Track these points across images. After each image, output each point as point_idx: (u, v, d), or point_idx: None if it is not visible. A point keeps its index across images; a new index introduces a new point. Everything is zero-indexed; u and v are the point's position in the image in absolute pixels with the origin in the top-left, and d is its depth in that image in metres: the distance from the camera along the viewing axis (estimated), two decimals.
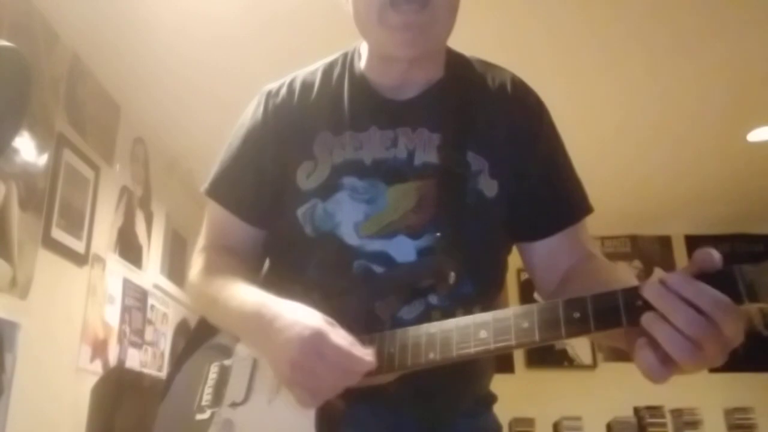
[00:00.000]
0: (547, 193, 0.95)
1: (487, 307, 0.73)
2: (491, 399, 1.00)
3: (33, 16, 2.23)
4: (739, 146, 3.52)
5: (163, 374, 3.37)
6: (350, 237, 0.89)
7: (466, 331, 0.72)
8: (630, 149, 3.49)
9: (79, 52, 2.54)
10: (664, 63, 2.73)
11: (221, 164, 1.03)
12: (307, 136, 0.96)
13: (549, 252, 0.95)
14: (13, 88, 1.55)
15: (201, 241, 1.05)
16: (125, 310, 2.91)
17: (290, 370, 0.75)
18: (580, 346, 4.56)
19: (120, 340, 2.85)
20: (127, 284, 2.95)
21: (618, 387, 4.36)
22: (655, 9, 2.41)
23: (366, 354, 0.74)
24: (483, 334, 0.70)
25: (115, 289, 2.84)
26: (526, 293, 4.63)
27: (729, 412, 4.30)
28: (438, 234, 0.87)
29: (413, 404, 0.86)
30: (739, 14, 2.42)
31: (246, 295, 0.87)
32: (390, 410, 0.85)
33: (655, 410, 4.24)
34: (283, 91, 1.01)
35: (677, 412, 4.25)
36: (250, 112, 1.04)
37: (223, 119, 3.15)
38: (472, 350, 0.71)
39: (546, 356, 4.52)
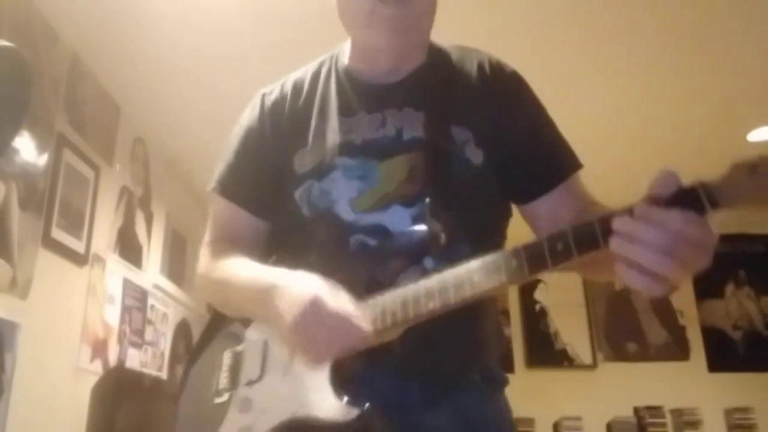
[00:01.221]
0: (535, 153, 1.00)
1: None
2: (501, 380, 1.02)
3: (33, 16, 2.23)
4: (739, 146, 3.51)
5: (163, 374, 3.37)
6: (346, 213, 0.94)
7: (460, 278, 0.78)
8: (629, 149, 3.49)
9: (79, 52, 2.54)
10: (664, 62, 2.73)
11: (224, 163, 1.09)
12: (301, 126, 1.03)
13: (548, 210, 0.99)
14: (13, 88, 1.55)
15: (207, 237, 1.10)
16: (125, 310, 2.91)
17: (292, 334, 0.83)
18: (580, 346, 4.57)
19: (120, 340, 2.85)
20: (127, 284, 2.95)
21: (618, 387, 4.37)
22: (653, 8, 2.41)
23: (361, 321, 0.81)
24: (476, 277, 0.77)
25: (115, 289, 2.84)
26: (525, 293, 4.64)
27: (729, 412, 4.30)
28: (428, 200, 0.92)
29: (419, 369, 0.90)
30: (739, 14, 2.42)
31: (252, 269, 0.95)
32: (397, 376, 0.89)
33: (655, 410, 4.23)
34: (276, 91, 1.10)
35: (677, 412, 4.24)
36: (247, 114, 1.11)
37: (223, 120, 3.15)
38: (468, 293, 0.77)
39: (546, 356, 4.52)
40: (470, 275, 0.77)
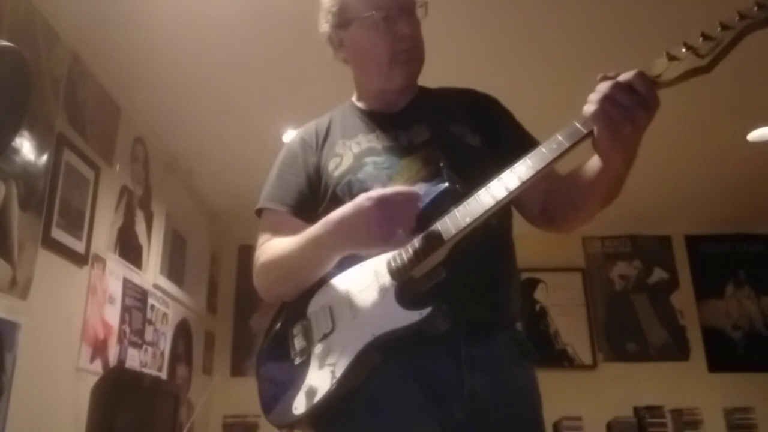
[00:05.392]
0: (516, 138, 1.24)
1: (498, 218, 1.04)
2: (532, 352, 1.17)
3: (33, 16, 2.23)
4: (739, 146, 3.52)
5: (163, 374, 3.37)
6: None
7: (487, 190, 1.00)
8: None
9: (79, 52, 2.54)
10: None
11: (267, 186, 1.29)
12: (329, 145, 1.28)
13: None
14: (13, 88, 1.55)
15: (258, 245, 1.26)
16: (125, 310, 2.91)
17: (374, 226, 0.99)
18: (580, 346, 4.57)
19: (120, 340, 2.85)
20: (127, 284, 2.96)
21: (618, 387, 4.37)
22: (652, 7, 2.41)
23: (411, 189, 1.03)
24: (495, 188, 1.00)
25: (115, 289, 2.84)
26: (525, 292, 4.64)
27: (729, 412, 4.30)
28: (441, 164, 1.12)
29: (466, 302, 1.07)
30: None
31: (307, 229, 1.12)
32: (454, 309, 1.02)
33: (655, 410, 4.23)
34: (305, 129, 1.34)
35: (677, 412, 4.24)
36: (283, 150, 1.34)
37: (223, 119, 3.16)
38: (505, 193, 0.98)
39: (546, 356, 4.51)
40: (492, 187, 0.99)
